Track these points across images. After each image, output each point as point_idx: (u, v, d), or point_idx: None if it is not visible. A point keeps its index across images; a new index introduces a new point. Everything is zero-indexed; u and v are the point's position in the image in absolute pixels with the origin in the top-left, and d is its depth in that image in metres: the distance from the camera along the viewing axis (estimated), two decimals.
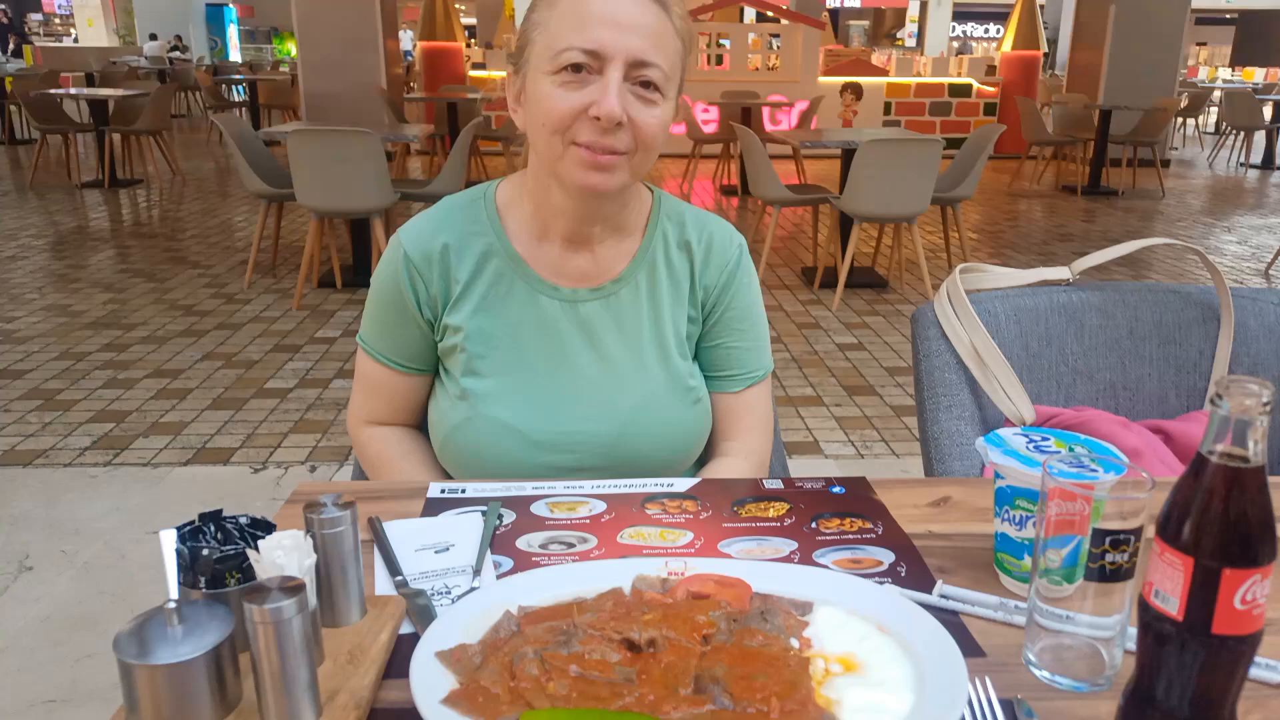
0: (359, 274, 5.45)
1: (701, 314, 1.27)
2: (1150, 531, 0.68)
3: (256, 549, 0.71)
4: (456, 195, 1.26)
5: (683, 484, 1.11)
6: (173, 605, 0.66)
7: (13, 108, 11.14)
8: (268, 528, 0.76)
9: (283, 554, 0.70)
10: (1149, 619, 0.65)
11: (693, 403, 1.25)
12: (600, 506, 1.05)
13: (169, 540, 0.74)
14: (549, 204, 1.18)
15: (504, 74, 1.20)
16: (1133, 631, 0.76)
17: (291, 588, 0.65)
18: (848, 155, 5.40)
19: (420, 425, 1.31)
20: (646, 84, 1.07)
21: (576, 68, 1.06)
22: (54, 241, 6.45)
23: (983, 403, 1.40)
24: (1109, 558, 0.71)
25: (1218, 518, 0.61)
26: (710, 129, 10.04)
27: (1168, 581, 0.63)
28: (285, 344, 4.44)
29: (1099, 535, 0.71)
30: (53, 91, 8.78)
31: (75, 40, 23.29)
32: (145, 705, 0.65)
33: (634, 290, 1.23)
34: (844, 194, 5.13)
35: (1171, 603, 0.63)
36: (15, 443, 3.34)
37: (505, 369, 1.21)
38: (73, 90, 9.26)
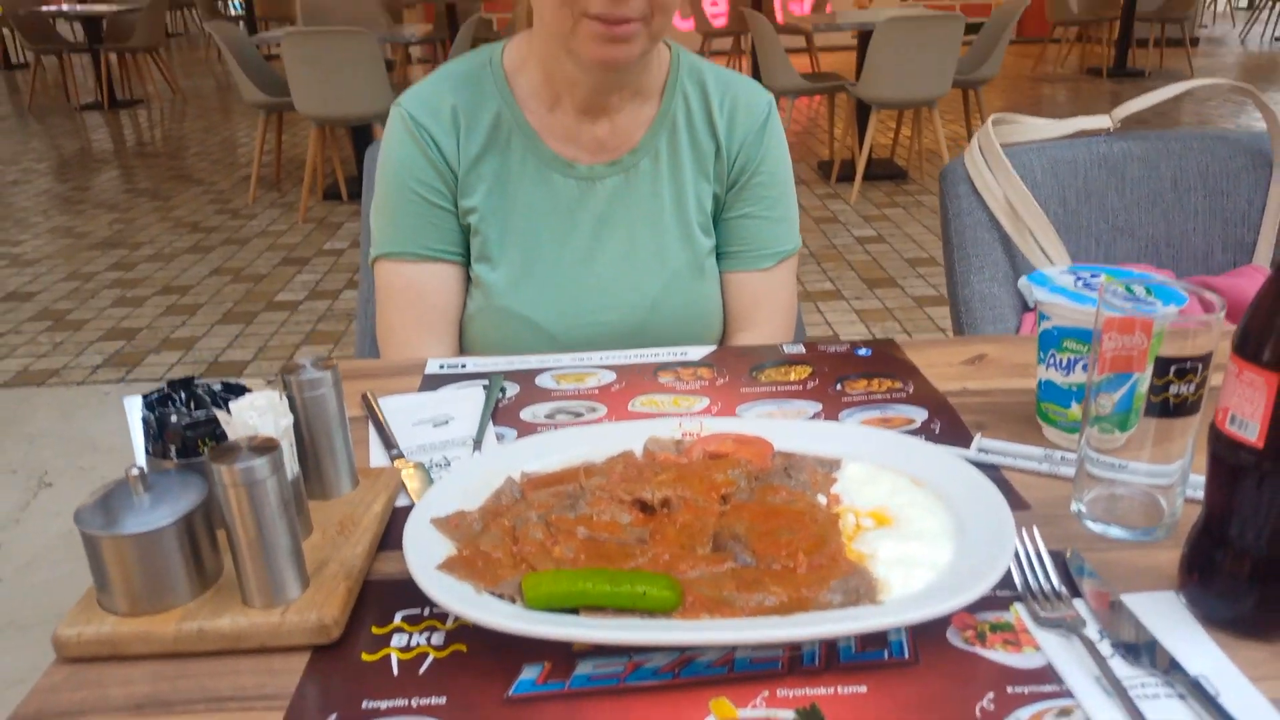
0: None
1: (726, 183, 1.15)
2: (1215, 380, 0.61)
3: (229, 412, 0.65)
4: (457, 61, 1.13)
5: (697, 352, 1.04)
6: (136, 471, 0.60)
7: (5, 31, 10.88)
8: (241, 392, 0.69)
9: (256, 415, 0.63)
10: (1222, 450, 0.57)
11: (714, 278, 1.17)
12: (610, 377, 0.98)
13: (134, 408, 0.67)
14: (561, 73, 1.06)
15: None
16: (1195, 479, 0.69)
17: (264, 447, 0.59)
18: (863, 42, 5.17)
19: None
20: None
21: None
22: (56, 165, 6.34)
23: (1017, 263, 1.31)
24: (1174, 389, 0.64)
25: None
26: (719, 23, 9.68)
27: (1246, 405, 0.55)
28: (293, 257, 4.36)
29: (1163, 365, 0.64)
30: (43, 9, 8.54)
31: None
32: (115, 580, 0.60)
33: (654, 160, 1.12)
34: (861, 79, 4.93)
35: (1251, 428, 0.55)
36: (28, 363, 3.32)
37: (519, 258, 1.11)
38: (64, 7, 9.01)
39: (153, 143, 7.13)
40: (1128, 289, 0.74)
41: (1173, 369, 0.63)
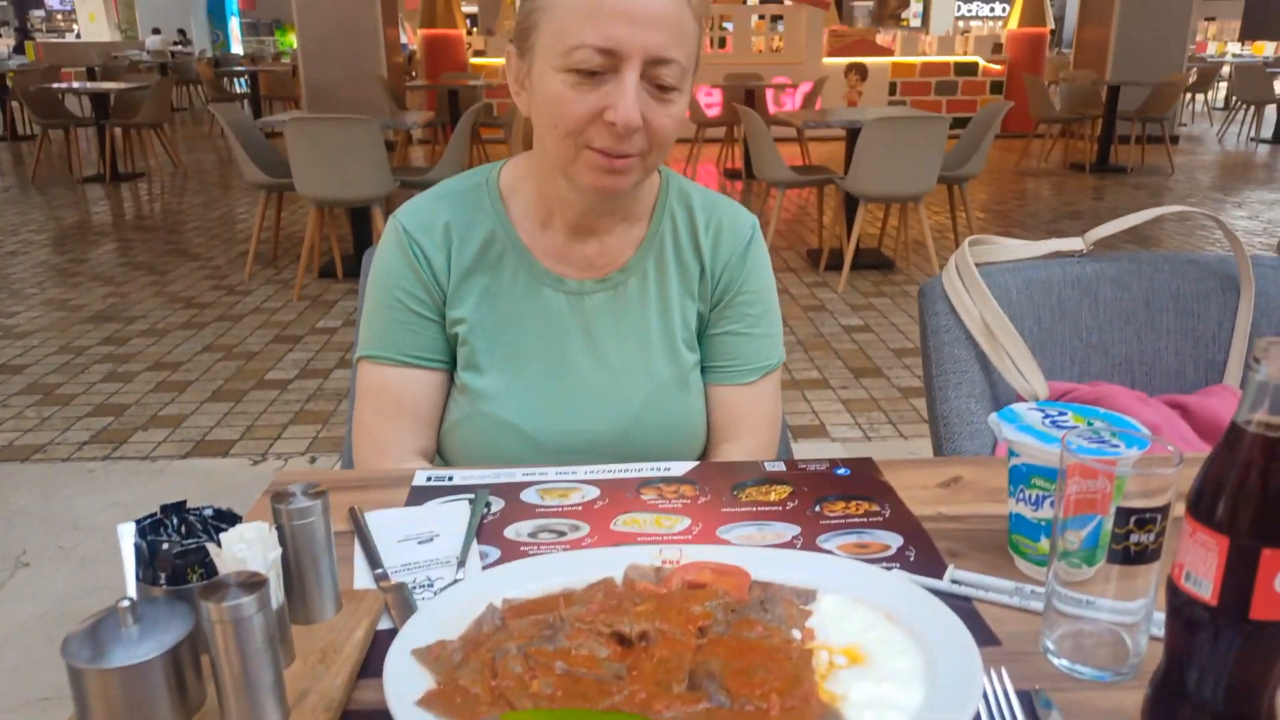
0: (360, 264, 5.40)
1: (710, 302, 1.19)
2: (1178, 510, 0.63)
3: (219, 542, 0.66)
4: (456, 178, 1.18)
5: (680, 468, 1.06)
6: (127, 604, 0.62)
7: (14, 103, 11.10)
8: (233, 520, 0.71)
9: (245, 547, 0.65)
10: (1179, 604, 0.60)
11: (698, 392, 1.20)
12: (593, 492, 1.00)
13: (127, 534, 0.69)
14: (555, 194, 1.11)
15: (505, 61, 1.12)
16: (1159, 616, 0.71)
17: (252, 583, 0.60)
18: (852, 136, 5.32)
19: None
20: (664, 87, 0.99)
21: (591, 71, 0.97)
22: (55, 236, 6.42)
23: (994, 379, 1.34)
24: (1134, 538, 0.66)
25: (1256, 493, 0.56)
26: (713, 112, 9.95)
27: (1200, 563, 0.58)
28: (286, 335, 4.40)
29: (1123, 514, 0.66)
30: (53, 86, 8.73)
31: (77, 35, 23.22)
32: (97, 713, 0.61)
33: (641, 280, 1.16)
34: (849, 174, 5.06)
35: (1205, 586, 0.57)
36: (13, 438, 3.31)
37: (506, 366, 1.14)
38: (74, 84, 9.21)
39: (152, 216, 7.23)
40: (1094, 431, 0.77)
41: (1133, 519, 0.66)
